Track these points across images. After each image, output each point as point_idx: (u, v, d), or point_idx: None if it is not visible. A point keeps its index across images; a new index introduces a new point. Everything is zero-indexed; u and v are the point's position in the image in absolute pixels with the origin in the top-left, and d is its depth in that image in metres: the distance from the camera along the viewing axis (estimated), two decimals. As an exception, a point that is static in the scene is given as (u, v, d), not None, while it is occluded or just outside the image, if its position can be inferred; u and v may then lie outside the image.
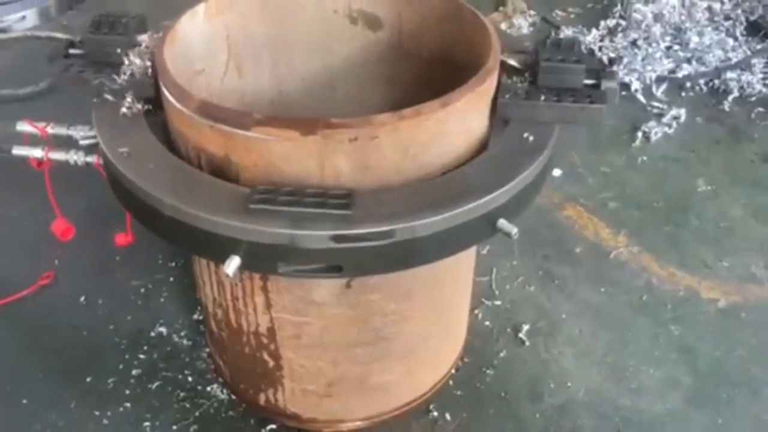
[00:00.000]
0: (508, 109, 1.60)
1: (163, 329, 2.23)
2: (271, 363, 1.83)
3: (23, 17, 3.96)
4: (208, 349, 2.16)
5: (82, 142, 1.78)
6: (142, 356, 2.15)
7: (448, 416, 2.01)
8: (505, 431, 1.99)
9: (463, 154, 1.56)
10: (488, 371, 2.14)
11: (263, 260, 1.40)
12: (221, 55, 1.93)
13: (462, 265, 1.91)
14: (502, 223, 1.48)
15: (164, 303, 2.33)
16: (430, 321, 1.85)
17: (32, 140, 1.92)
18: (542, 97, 1.59)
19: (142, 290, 2.37)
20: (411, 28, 1.98)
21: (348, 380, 1.85)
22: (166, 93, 1.52)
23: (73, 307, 2.31)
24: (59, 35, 3.80)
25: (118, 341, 2.20)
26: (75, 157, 1.91)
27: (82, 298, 2.34)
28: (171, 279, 2.41)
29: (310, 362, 1.80)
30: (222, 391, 2.05)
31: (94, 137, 1.83)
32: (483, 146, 1.62)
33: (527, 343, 2.22)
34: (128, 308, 2.31)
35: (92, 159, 1.91)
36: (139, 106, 1.63)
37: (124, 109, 1.61)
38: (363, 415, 1.95)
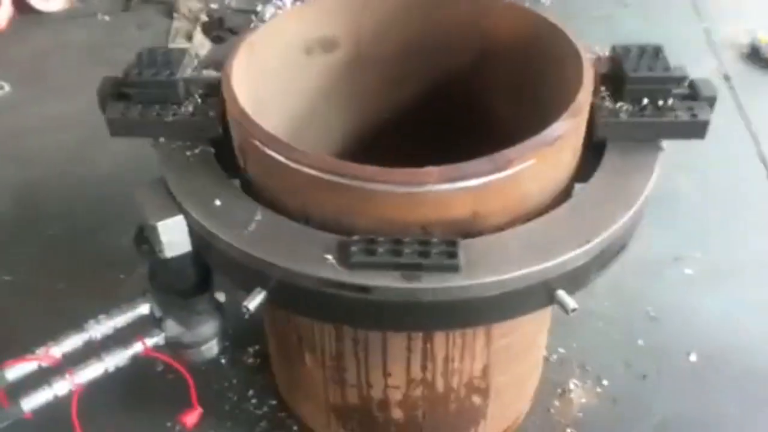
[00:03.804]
0: (605, 130, 1.50)
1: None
2: (479, 401, 1.80)
3: None
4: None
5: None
6: None
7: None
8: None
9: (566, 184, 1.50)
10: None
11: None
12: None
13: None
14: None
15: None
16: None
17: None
18: (639, 114, 1.49)
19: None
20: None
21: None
22: (270, 152, 1.36)
23: None
24: None
25: None
26: (114, 362, 1.66)
27: None
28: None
29: (515, 371, 1.84)
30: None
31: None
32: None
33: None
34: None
35: (154, 340, 1.70)
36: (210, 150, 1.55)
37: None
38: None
